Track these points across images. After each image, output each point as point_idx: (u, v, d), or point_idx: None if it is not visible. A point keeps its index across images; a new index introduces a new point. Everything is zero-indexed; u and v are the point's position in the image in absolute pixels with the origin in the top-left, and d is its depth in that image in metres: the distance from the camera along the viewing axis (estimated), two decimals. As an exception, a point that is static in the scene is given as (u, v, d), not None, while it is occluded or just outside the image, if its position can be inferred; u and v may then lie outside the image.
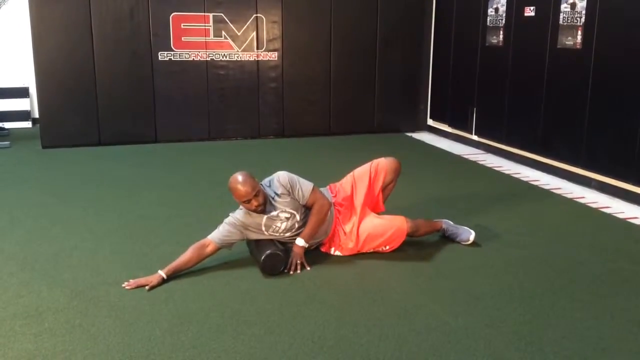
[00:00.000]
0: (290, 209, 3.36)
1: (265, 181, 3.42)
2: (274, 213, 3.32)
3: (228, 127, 7.19)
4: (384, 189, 3.76)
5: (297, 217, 3.38)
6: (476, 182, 5.44)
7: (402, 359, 2.47)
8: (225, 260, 3.43)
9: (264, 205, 3.27)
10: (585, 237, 3.98)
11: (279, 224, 3.34)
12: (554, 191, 5.11)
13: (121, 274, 3.24)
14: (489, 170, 5.90)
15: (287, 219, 3.35)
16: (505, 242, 3.83)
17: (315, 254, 3.52)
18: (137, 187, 5.11)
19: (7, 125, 7.54)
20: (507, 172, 5.80)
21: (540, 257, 3.59)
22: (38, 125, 6.85)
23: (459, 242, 3.75)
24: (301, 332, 2.68)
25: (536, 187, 5.27)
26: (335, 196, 3.63)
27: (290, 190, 3.35)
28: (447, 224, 3.82)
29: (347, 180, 3.73)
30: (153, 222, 4.18)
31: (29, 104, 7.88)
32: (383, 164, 3.74)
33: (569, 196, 4.96)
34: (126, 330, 2.68)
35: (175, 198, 4.77)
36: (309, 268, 3.36)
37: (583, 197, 4.92)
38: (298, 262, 3.34)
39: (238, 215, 3.34)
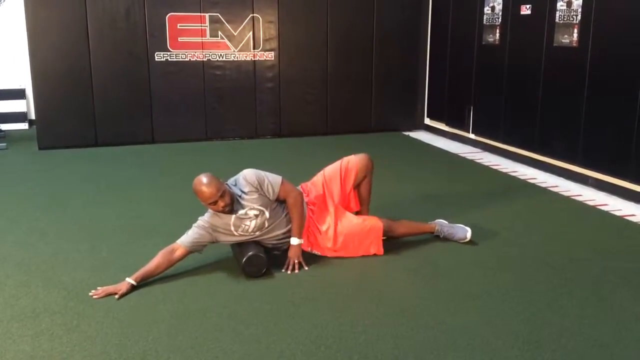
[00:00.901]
0: (259, 205, 3.29)
1: (231, 181, 3.37)
2: (242, 212, 3.26)
3: (225, 127, 7.19)
4: (356, 186, 3.72)
5: (266, 214, 3.31)
6: (473, 181, 5.44)
7: (400, 358, 2.46)
8: (222, 262, 3.43)
9: (232, 205, 3.22)
10: (582, 235, 3.98)
11: (247, 223, 3.28)
12: (551, 189, 5.11)
13: (118, 275, 3.22)
14: (486, 169, 5.91)
15: (256, 216, 3.29)
16: (502, 241, 3.83)
17: (312, 255, 3.51)
18: (134, 188, 5.10)
19: (4, 126, 7.51)
20: (504, 170, 5.81)
21: (538, 255, 3.59)
22: (35, 126, 6.84)
23: (456, 241, 3.74)
24: (299, 331, 2.68)
25: (533, 185, 5.27)
26: (307, 195, 3.58)
27: (258, 187, 3.29)
28: (441, 225, 3.79)
29: (318, 179, 3.69)
30: (150, 223, 4.17)
31: (25, 105, 7.86)
32: (353, 162, 3.69)
33: (566, 194, 4.96)
34: (123, 331, 2.68)
35: (172, 198, 4.76)
36: (307, 268, 3.35)
37: (580, 195, 4.92)
38: (296, 261, 3.34)
39: (207, 217, 3.29)
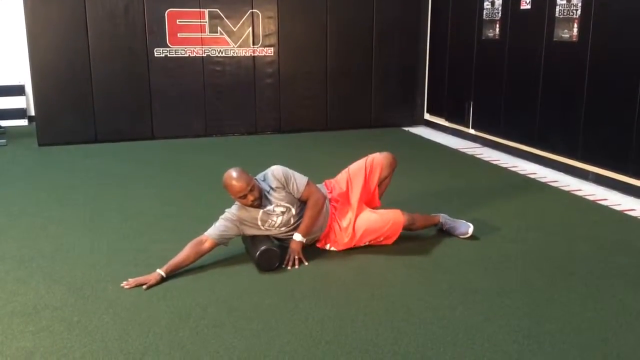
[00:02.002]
0: (286, 202, 3.35)
1: (260, 175, 3.42)
2: (269, 207, 3.32)
3: (225, 123, 7.18)
4: (379, 184, 3.76)
5: (293, 211, 3.38)
6: (473, 176, 5.44)
7: (400, 353, 2.47)
8: (223, 257, 3.42)
9: (260, 200, 3.27)
10: (582, 229, 3.98)
11: (274, 218, 3.34)
12: (551, 184, 5.11)
13: (119, 271, 3.23)
14: (486, 164, 5.91)
15: (283, 213, 3.35)
16: (502, 236, 3.83)
17: (313, 250, 3.52)
18: (134, 184, 5.10)
19: (3, 123, 7.51)
20: (504, 165, 5.81)
21: (538, 250, 3.60)
22: (34, 123, 6.83)
23: (457, 236, 3.75)
24: (300, 327, 2.68)
25: (533, 180, 5.27)
26: (331, 192, 3.62)
27: (284, 184, 3.35)
28: (444, 218, 3.82)
29: (342, 177, 3.73)
30: (150, 219, 4.17)
31: (25, 101, 7.85)
32: (378, 160, 3.73)
33: (566, 189, 4.96)
34: (124, 327, 2.68)
35: (172, 195, 4.76)
36: (307, 263, 3.36)
37: (580, 190, 4.92)
38: (296, 257, 3.34)
39: (234, 210, 3.34)
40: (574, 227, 4.04)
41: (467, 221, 3.79)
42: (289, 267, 3.30)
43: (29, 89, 7.38)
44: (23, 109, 7.86)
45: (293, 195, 3.37)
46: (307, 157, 6.10)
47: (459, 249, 3.60)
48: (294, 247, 3.37)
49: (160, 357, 2.44)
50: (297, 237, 3.38)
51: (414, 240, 3.70)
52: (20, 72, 7.63)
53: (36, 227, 4.00)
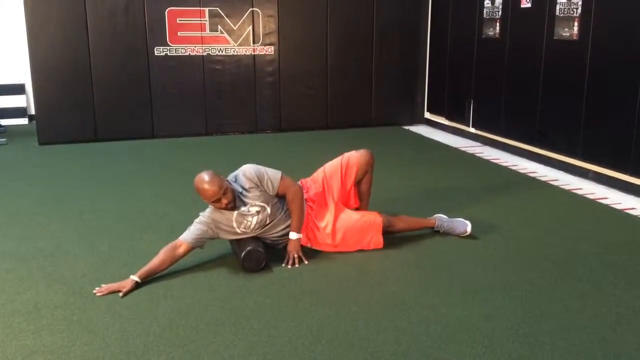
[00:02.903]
0: (260, 202, 3.29)
1: (231, 177, 3.35)
2: (244, 208, 3.26)
3: (225, 122, 7.18)
4: (357, 182, 3.71)
5: (268, 210, 3.31)
6: (473, 175, 5.44)
7: (400, 352, 2.47)
8: (223, 256, 3.43)
9: (234, 202, 3.21)
10: (582, 228, 3.98)
11: (250, 219, 3.28)
12: (552, 183, 5.11)
13: (119, 270, 3.24)
14: (486, 163, 5.91)
15: (258, 212, 3.29)
16: (502, 234, 3.83)
17: (313, 249, 3.52)
18: (135, 183, 5.10)
19: (4, 122, 7.51)
20: (504, 164, 5.81)
21: (538, 248, 3.60)
22: (34, 122, 6.83)
23: (457, 236, 3.74)
24: (300, 325, 2.68)
25: (533, 178, 5.27)
26: (307, 192, 3.56)
27: (258, 183, 3.28)
28: (440, 220, 3.78)
29: (318, 175, 3.68)
30: (151, 218, 4.17)
31: (25, 100, 7.85)
32: (354, 158, 3.66)
33: (567, 188, 4.96)
34: (124, 325, 2.68)
35: (172, 193, 4.76)
36: (306, 262, 3.35)
37: (580, 189, 4.92)
38: (295, 256, 3.34)
39: (208, 212, 3.28)
40: (574, 225, 4.04)
41: (465, 219, 3.78)
42: (289, 266, 3.30)
43: (29, 88, 7.38)
44: (23, 107, 7.86)
45: (268, 194, 3.31)
46: (307, 156, 6.09)
47: (458, 248, 3.60)
48: (292, 246, 3.36)
49: (161, 356, 2.44)
50: (293, 235, 3.36)
51: (413, 238, 3.70)
52: (20, 71, 7.62)
53: (36, 226, 4.00)
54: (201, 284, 3.10)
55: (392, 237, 3.62)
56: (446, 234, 3.76)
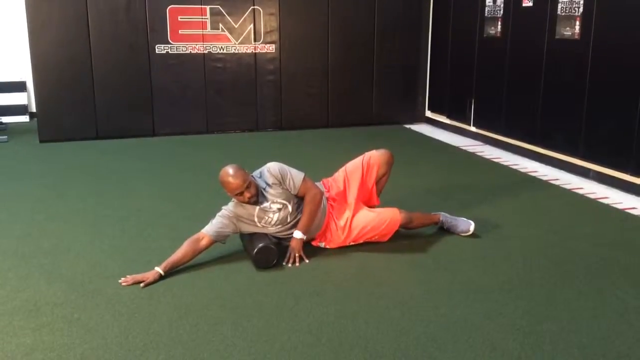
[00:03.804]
0: (282, 199, 3.34)
1: (256, 172, 3.42)
2: (266, 204, 3.32)
3: (226, 120, 7.18)
4: (377, 182, 3.75)
5: (289, 208, 3.37)
6: (474, 174, 5.44)
7: (400, 351, 2.47)
8: (223, 255, 3.43)
9: (257, 197, 3.27)
10: (583, 227, 3.98)
11: (271, 215, 3.33)
12: (553, 182, 5.11)
13: (119, 268, 3.24)
14: (487, 162, 5.90)
15: (279, 210, 3.34)
16: (503, 234, 3.83)
17: (313, 248, 3.52)
18: (135, 181, 5.10)
19: (5, 119, 7.51)
20: (505, 163, 5.80)
21: (539, 248, 3.59)
22: (35, 119, 6.84)
23: (458, 234, 3.74)
24: (300, 324, 2.68)
25: (534, 178, 5.27)
26: (328, 191, 3.61)
27: (281, 181, 3.34)
28: (444, 216, 3.80)
29: (339, 175, 3.71)
30: (151, 216, 4.17)
31: (26, 98, 7.85)
32: (375, 157, 3.71)
33: (567, 187, 4.96)
34: (125, 323, 2.68)
35: (173, 192, 4.76)
36: (307, 261, 3.35)
37: (581, 188, 4.92)
38: (297, 254, 3.34)
39: (230, 207, 3.34)
40: (574, 225, 4.03)
41: (468, 219, 3.79)
42: (289, 265, 3.31)
43: (30, 86, 7.39)
44: (24, 105, 7.86)
45: (290, 192, 3.36)
46: (308, 154, 6.10)
47: (459, 247, 3.60)
48: (294, 244, 3.37)
49: (161, 354, 2.44)
50: (298, 234, 3.38)
51: (414, 238, 3.70)
52: (21, 68, 7.62)
53: (37, 224, 4.00)
54: (201, 283, 3.10)
55: (392, 237, 3.62)
56: (449, 230, 3.77)
